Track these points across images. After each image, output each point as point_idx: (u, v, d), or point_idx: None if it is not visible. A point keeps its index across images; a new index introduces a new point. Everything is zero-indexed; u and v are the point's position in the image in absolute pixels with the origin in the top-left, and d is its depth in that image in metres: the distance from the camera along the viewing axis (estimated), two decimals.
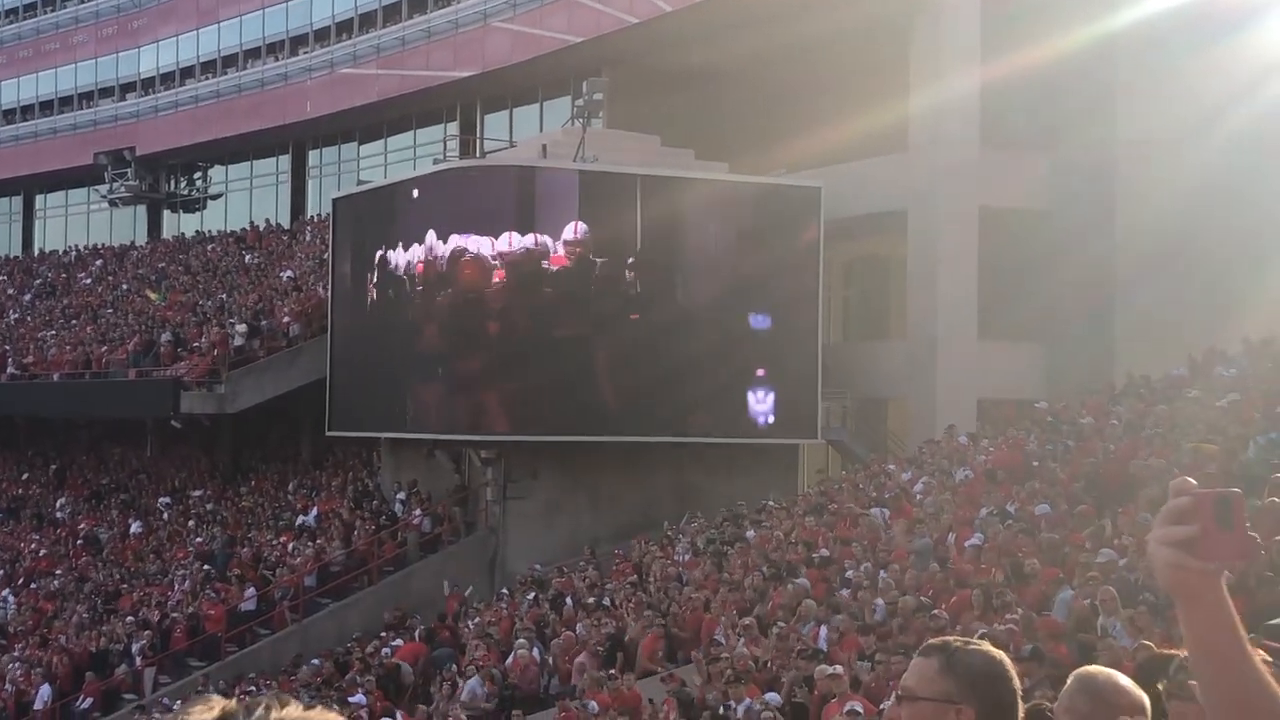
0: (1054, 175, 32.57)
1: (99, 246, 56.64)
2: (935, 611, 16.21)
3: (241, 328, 37.87)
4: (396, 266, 32.52)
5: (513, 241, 30.41)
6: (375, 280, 33.48)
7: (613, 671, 19.59)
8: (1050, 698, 7.85)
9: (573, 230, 30.53)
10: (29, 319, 50.74)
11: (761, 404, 31.47)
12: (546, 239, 30.51)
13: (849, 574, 19.49)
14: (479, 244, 30.54)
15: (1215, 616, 2.37)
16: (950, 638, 3.31)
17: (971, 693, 3.12)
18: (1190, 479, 2.46)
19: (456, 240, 30.71)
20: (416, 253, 31.71)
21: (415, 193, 32.74)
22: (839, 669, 15.18)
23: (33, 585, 37.10)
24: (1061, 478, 20.64)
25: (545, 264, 30.43)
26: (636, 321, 30.90)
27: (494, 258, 30.43)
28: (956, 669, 3.14)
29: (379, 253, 33.21)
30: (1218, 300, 30.51)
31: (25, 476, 46.53)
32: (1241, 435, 19.04)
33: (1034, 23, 31.52)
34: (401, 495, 33.33)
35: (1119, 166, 31.52)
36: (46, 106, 58.36)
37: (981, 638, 3.47)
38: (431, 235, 31.24)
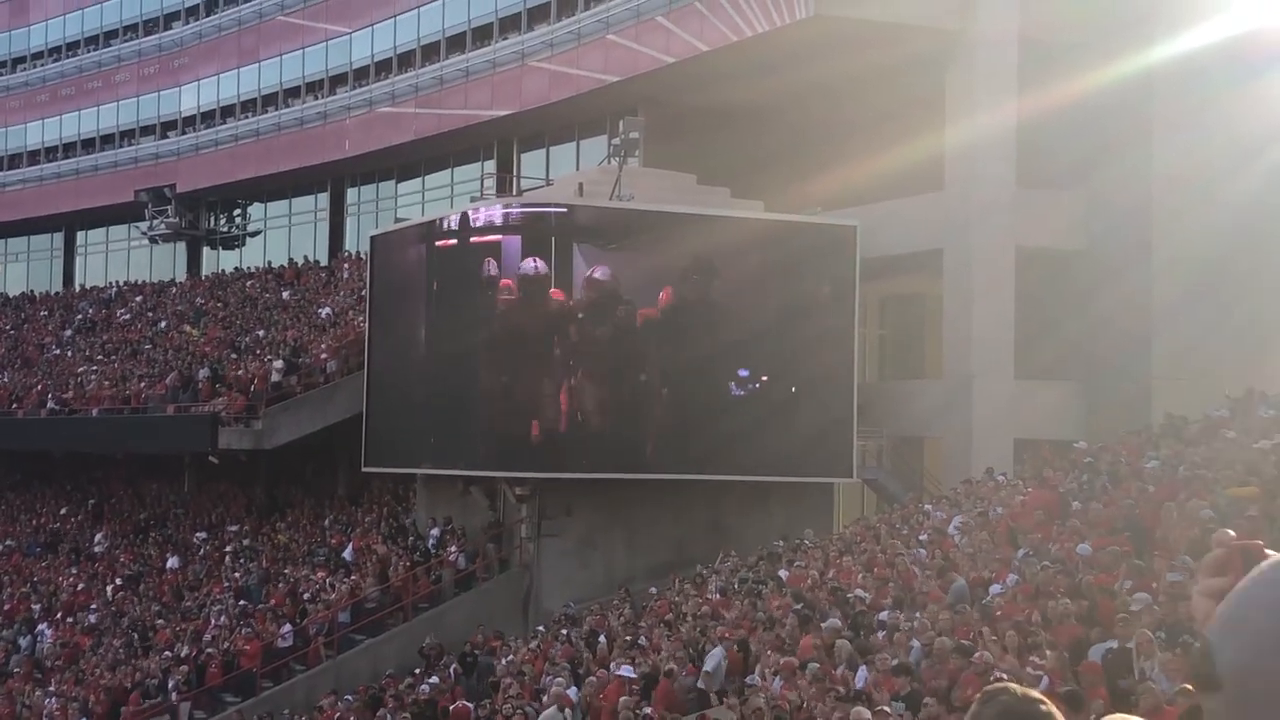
0: (1090, 213, 32.47)
1: (139, 283, 57.09)
2: (975, 657, 16.05)
3: (279, 364, 38.08)
4: (432, 303, 32.65)
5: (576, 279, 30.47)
6: (411, 317, 33.63)
7: (648, 712, 19.51)
8: None
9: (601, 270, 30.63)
10: (69, 354, 51.15)
11: (743, 383, 31.17)
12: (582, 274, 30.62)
13: (883, 615, 19.37)
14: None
15: None
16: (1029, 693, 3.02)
17: None
18: (1230, 531, 2.50)
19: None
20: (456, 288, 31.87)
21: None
22: (885, 708, 15.07)
23: (69, 620, 37.28)
24: (1101, 519, 20.47)
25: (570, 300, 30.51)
26: (670, 359, 30.89)
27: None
28: None
29: (415, 290, 33.36)
30: (1256, 337, 30.35)
31: (63, 511, 46.82)
32: None
33: (1070, 60, 31.51)
34: (436, 531, 33.35)
35: (1155, 204, 31.41)
36: (88, 144, 58.96)
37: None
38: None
